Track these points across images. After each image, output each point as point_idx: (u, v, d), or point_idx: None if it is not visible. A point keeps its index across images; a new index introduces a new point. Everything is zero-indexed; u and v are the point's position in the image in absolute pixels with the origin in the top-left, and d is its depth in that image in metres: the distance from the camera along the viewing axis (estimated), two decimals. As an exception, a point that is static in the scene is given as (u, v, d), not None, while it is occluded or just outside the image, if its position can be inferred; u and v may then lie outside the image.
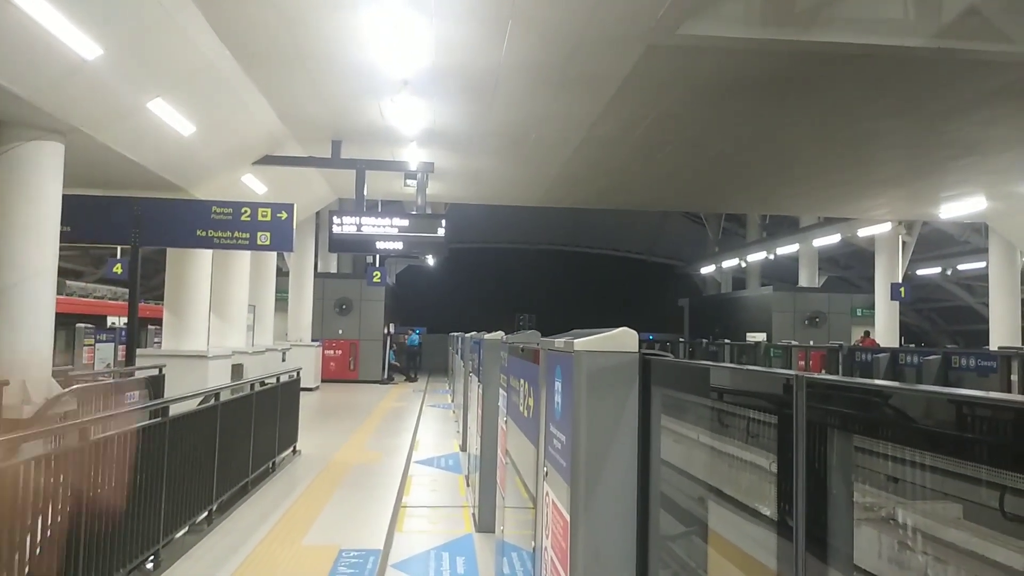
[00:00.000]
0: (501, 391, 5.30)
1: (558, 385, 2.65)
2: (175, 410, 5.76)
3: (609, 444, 2.28)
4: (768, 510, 1.61)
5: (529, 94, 10.49)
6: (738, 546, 1.87)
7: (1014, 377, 12.74)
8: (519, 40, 8.51)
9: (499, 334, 6.93)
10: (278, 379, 9.29)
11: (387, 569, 5.84)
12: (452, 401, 17.18)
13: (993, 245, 18.83)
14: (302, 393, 10.88)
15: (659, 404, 2.22)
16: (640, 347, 2.38)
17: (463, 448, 10.97)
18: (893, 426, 1.13)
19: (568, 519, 2.34)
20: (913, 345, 25.16)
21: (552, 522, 2.68)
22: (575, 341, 2.37)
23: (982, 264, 21.53)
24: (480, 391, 7.17)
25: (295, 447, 10.08)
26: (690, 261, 37.07)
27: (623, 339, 2.35)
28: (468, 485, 8.67)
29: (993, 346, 17.60)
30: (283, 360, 17.94)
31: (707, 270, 34.92)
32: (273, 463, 8.89)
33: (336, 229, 12.58)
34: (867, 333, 22.53)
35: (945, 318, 33.71)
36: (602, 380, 2.30)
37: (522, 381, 3.82)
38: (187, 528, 6.10)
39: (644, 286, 41.68)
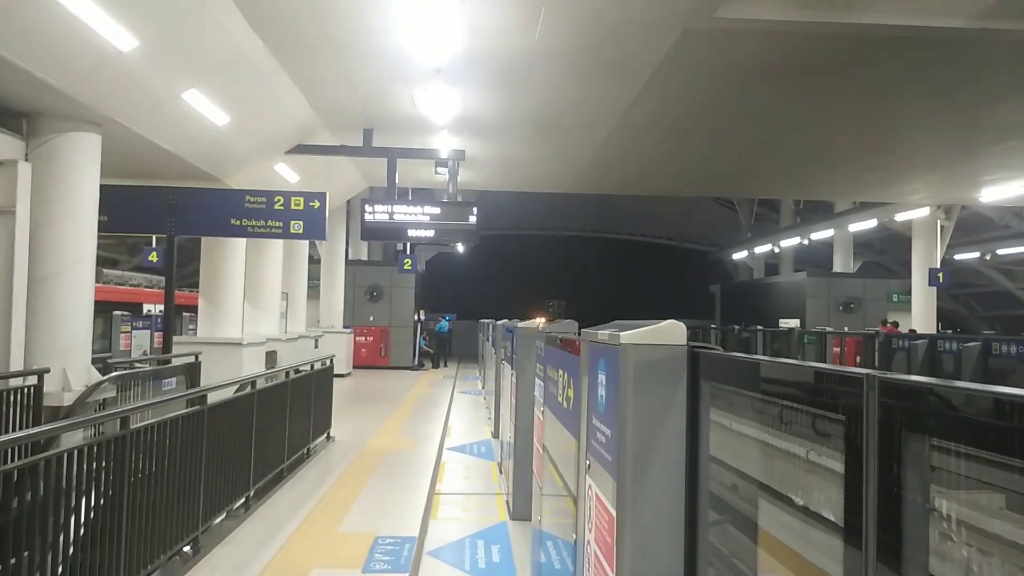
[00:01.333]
0: (537, 380, 5.26)
1: (602, 378, 2.61)
2: (213, 398, 5.81)
3: (656, 439, 2.24)
4: (826, 512, 1.56)
5: (562, 80, 10.39)
6: (793, 548, 1.82)
7: (1057, 365, 12.46)
8: (553, 25, 8.41)
9: (536, 321, 6.90)
10: (312, 366, 9.35)
11: (423, 557, 5.86)
12: (483, 388, 17.20)
13: (1035, 230, 18.42)
14: (334, 379, 10.95)
15: (708, 399, 2.17)
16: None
17: (495, 435, 10.97)
18: (977, 430, 1.07)
19: (614, 514, 2.31)
20: (950, 331, 24.72)
21: (596, 516, 2.65)
22: (621, 334, 2.32)
23: (1022, 248, 21.06)
24: (514, 379, 7.14)
25: (329, 433, 10.16)
26: (722, 247, 36.70)
27: (671, 332, 2.29)
28: (501, 472, 8.67)
29: (1034, 333, 17.25)
30: (315, 347, 18.08)
31: (739, 256, 34.54)
32: (308, 449, 8.97)
33: (368, 217, 12.62)
34: (884, 321, 22.16)
35: (982, 303, 33.08)
36: (649, 374, 2.25)
37: (561, 371, 3.78)
38: (225, 514, 6.17)
39: (674, 272, 41.43)
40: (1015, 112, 11.24)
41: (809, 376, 1.57)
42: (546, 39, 8.83)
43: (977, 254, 25.97)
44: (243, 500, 6.53)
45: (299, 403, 8.40)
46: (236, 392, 6.65)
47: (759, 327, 24.00)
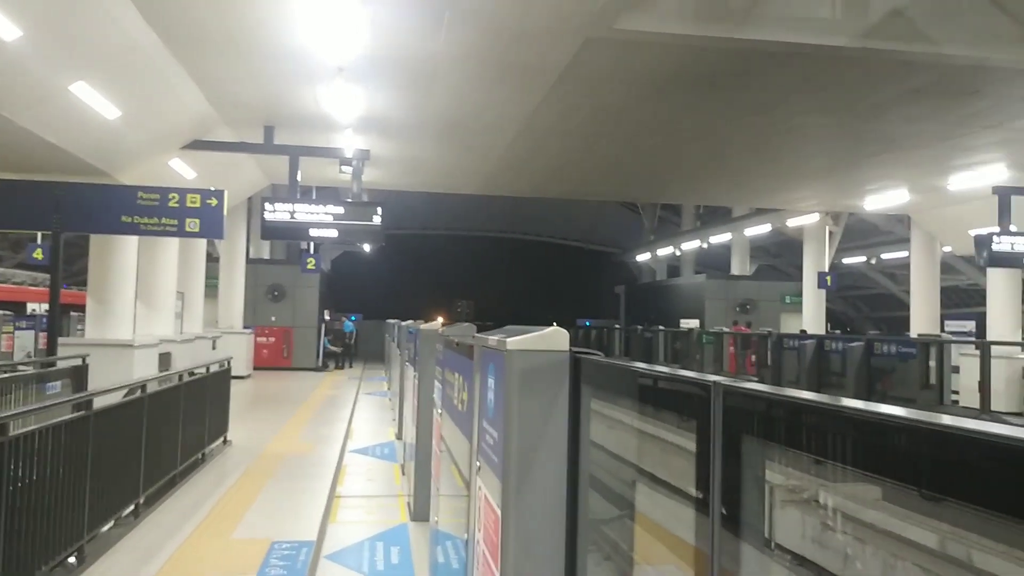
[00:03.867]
0: (436, 383, 5.31)
1: (491, 382, 2.68)
2: (100, 402, 5.61)
3: (540, 441, 2.32)
4: (690, 495, 1.72)
5: (468, 83, 10.46)
6: (664, 527, 1.96)
7: (932, 363, 13.32)
8: (457, 29, 8.46)
9: (437, 323, 6.93)
10: (207, 368, 9.11)
11: (320, 561, 5.81)
12: (388, 389, 17.09)
13: (915, 236, 19.56)
14: (233, 381, 10.70)
15: (588, 401, 2.27)
16: (572, 342, 2.42)
17: (399, 436, 10.94)
18: (801, 433, 1.20)
19: (499, 514, 2.38)
20: (839, 331, 26.10)
21: (484, 516, 2.72)
22: (507, 340, 2.39)
23: (904, 253, 22.37)
24: (416, 381, 7.16)
25: (226, 437, 9.92)
26: (627, 249, 37.54)
27: (554, 338, 2.38)
28: (404, 474, 8.66)
29: (913, 333, 18.32)
30: (213, 348, 17.58)
31: (643, 258, 35.43)
32: (203, 454, 8.73)
33: (268, 216, 12.31)
34: (735, 322, 24.28)
35: (869, 305, 34.95)
36: (533, 378, 2.33)
37: (457, 375, 3.84)
38: (113, 522, 5.96)
39: (582, 273, 42.11)
40: (895, 126, 11.95)
41: (670, 381, 1.68)
42: (451, 42, 8.87)
43: (864, 258, 27.48)
44: (132, 507, 6.33)
45: (193, 406, 8.18)
46: (126, 396, 6.43)
47: (661, 327, 24.71)
